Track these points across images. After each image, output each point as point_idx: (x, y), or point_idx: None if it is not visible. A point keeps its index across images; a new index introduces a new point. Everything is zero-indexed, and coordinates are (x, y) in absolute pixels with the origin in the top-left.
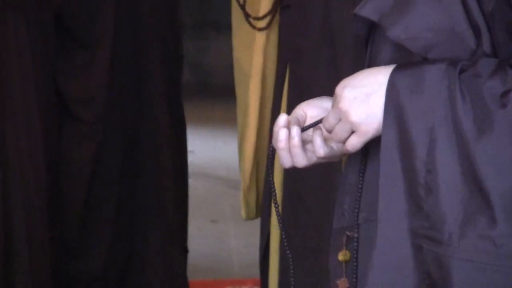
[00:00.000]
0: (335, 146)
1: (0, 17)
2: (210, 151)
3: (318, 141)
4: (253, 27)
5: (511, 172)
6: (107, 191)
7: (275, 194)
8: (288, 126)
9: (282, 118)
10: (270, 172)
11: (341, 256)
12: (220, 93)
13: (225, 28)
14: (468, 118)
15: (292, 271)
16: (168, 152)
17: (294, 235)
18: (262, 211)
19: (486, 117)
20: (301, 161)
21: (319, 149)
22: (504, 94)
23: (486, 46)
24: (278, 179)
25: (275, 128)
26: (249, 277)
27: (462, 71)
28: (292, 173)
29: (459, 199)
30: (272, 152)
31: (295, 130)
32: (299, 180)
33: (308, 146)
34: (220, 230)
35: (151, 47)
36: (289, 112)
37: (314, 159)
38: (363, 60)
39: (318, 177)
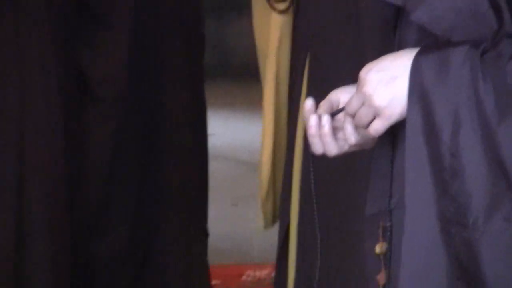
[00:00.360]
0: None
1: None
2: (231, 134)
3: (349, 128)
4: (273, 9)
5: None
6: (127, 171)
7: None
8: (317, 112)
9: (309, 102)
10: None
11: (378, 249)
12: (240, 75)
13: (245, 9)
14: (490, 100)
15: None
16: (188, 134)
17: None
18: (281, 202)
19: (508, 99)
20: (333, 149)
21: (351, 136)
22: None
23: (508, 26)
24: (296, 174)
25: (304, 113)
26: (269, 260)
27: (484, 52)
28: (307, 168)
29: (484, 183)
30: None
31: (326, 118)
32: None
33: (340, 135)
34: (241, 213)
35: (170, 27)
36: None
37: (346, 147)
38: (388, 45)
39: (337, 172)
